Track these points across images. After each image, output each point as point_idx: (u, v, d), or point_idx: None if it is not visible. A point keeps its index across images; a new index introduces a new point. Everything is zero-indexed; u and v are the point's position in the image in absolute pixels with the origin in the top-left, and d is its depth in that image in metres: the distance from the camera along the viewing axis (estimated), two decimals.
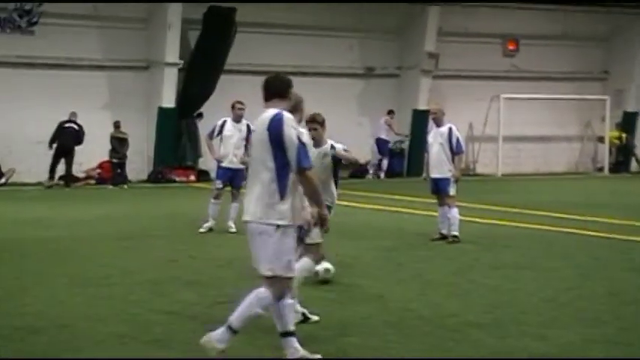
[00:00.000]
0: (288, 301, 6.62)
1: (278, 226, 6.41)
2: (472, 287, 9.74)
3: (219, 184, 14.77)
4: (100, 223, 15.96)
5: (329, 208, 8.39)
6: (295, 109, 6.97)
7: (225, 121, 14.78)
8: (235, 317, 6.54)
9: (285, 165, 6.40)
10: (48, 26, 25.35)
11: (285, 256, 6.48)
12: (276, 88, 6.73)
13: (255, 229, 6.51)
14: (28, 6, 25.34)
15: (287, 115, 6.51)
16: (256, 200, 6.48)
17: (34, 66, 25.31)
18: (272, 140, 6.42)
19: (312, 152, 8.52)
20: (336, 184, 8.91)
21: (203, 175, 26.50)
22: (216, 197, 14.70)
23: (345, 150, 8.96)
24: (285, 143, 6.39)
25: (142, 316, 8.20)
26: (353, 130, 26.74)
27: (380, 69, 29.82)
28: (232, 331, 6.54)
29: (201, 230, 14.46)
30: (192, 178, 26.48)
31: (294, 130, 6.45)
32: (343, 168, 9.16)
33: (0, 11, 25.15)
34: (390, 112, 29.33)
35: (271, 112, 6.55)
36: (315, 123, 8.93)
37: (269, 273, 6.49)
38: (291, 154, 6.38)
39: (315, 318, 7.95)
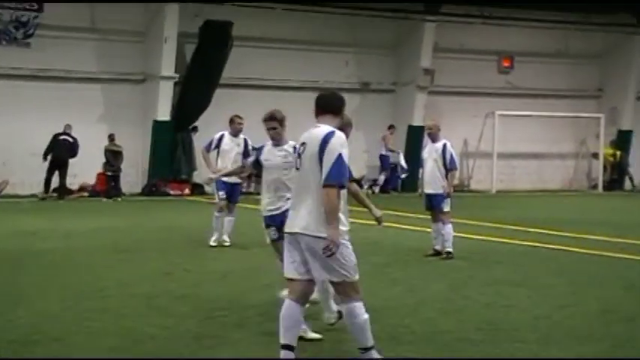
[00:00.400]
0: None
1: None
2: (466, 303, 9.74)
3: (222, 195, 14.55)
4: (94, 235, 15.95)
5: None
6: (342, 130, 6.98)
7: (222, 135, 14.66)
8: (358, 340, 6.65)
9: None
10: (44, 38, 25.41)
11: (348, 262, 6.57)
12: (331, 106, 6.81)
13: (309, 242, 6.52)
14: (24, 18, 25.40)
15: (339, 134, 6.59)
16: (307, 214, 6.52)
17: (30, 78, 25.37)
18: (321, 156, 6.49)
19: (272, 151, 8.95)
20: None
21: (197, 189, 26.53)
22: (221, 210, 14.59)
23: None
24: (325, 155, 6.45)
25: (136, 329, 8.19)
26: (348, 145, 26.76)
27: (375, 84, 29.94)
28: (369, 349, 6.63)
29: (212, 244, 14.35)
30: (187, 191, 26.49)
31: (341, 148, 6.49)
32: None
33: None
34: (391, 127, 29.41)
35: (325, 128, 6.62)
36: (274, 121, 9.06)
37: (337, 279, 6.57)
38: (325, 167, 6.43)
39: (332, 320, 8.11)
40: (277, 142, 9.09)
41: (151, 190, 26.39)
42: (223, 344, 7.69)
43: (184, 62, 26.89)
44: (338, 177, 6.42)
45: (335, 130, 6.61)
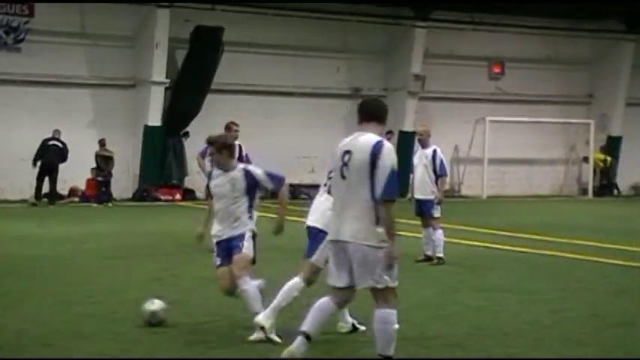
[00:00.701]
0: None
1: (379, 247, 6.51)
2: (456, 309, 9.76)
3: None
4: (84, 241, 15.90)
5: (254, 237, 8.24)
6: None
7: None
8: (382, 347, 6.62)
9: None
10: (35, 43, 25.37)
11: (392, 269, 6.59)
12: (377, 113, 6.83)
13: (358, 250, 6.55)
14: (14, 23, 25.36)
15: (388, 145, 6.62)
16: (355, 222, 6.55)
17: (21, 83, 25.31)
18: (372, 167, 6.51)
19: (220, 178, 8.29)
20: (251, 207, 8.29)
21: (189, 194, 26.50)
22: None
23: (268, 174, 8.32)
24: (378, 169, 6.48)
25: (126, 335, 8.18)
26: None
27: (367, 90, 29.91)
28: (389, 358, 6.64)
29: None
30: (178, 196, 26.45)
31: (392, 160, 6.53)
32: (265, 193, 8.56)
33: None
34: (389, 133, 29.39)
35: (372, 137, 6.62)
36: (212, 146, 8.58)
37: (380, 286, 6.59)
38: (380, 182, 6.47)
39: (362, 328, 8.12)
40: (222, 167, 8.35)
41: (141, 195, 26.35)
42: (213, 349, 7.68)
43: (175, 67, 26.88)
44: (395, 192, 6.52)
45: (382, 139, 6.62)
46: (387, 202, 6.48)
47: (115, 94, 26.74)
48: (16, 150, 24.66)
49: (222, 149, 8.33)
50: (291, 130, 28.25)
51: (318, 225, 7.98)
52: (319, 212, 8.05)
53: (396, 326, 6.65)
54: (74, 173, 25.13)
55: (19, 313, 9.12)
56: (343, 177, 6.67)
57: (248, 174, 8.27)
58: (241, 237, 8.21)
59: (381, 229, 6.52)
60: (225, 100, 26.57)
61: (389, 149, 6.58)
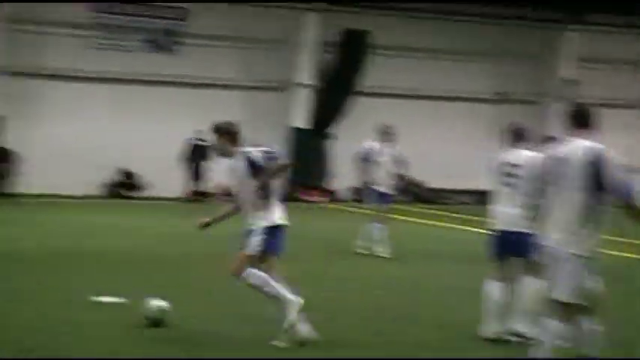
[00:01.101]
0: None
1: (579, 256, 6.45)
2: None
3: (377, 206, 14.59)
4: (227, 239, 16.04)
5: (276, 228, 7.89)
6: None
7: (375, 145, 14.61)
8: (542, 354, 6.54)
9: (598, 198, 6.47)
10: (189, 47, 26.21)
11: (580, 284, 6.49)
12: (590, 120, 6.81)
13: (557, 256, 6.50)
14: (172, 27, 26.32)
15: (609, 151, 6.56)
16: (562, 229, 6.51)
17: (175, 84, 26.18)
18: (593, 174, 6.46)
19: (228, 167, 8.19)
20: (266, 195, 8.00)
21: (333, 196, 26.71)
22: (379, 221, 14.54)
23: (267, 153, 8.00)
24: (606, 178, 6.43)
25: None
26: (485, 156, 26.42)
27: (516, 94, 29.42)
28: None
29: (383, 255, 14.32)
30: (324, 198, 26.68)
31: (616, 165, 6.50)
32: (270, 176, 7.96)
33: (146, 32, 26.16)
34: (551, 138, 28.72)
35: (591, 144, 6.60)
36: (214, 132, 8.27)
37: (564, 299, 6.50)
38: (619, 190, 6.42)
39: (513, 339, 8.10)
40: (223, 154, 8.44)
41: (289, 196, 26.73)
42: (218, 350, 7.63)
43: (323, 70, 27.15)
44: (627, 194, 6.44)
45: (603, 147, 6.57)
46: (631, 202, 6.39)
47: (264, 96, 27.26)
48: (168, 149, 25.44)
49: (227, 134, 8.27)
50: (436, 135, 28.05)
51: (515, 228, 8.09)
52: (509, 215, 8.22)
53: (559, 341, 6.46)
54: (224, 172, 25.70)
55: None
56: (555, 184, 6.60)
57: (246, 157, 8.03)
58: (253, 233, 7.93)
59: (590, 238, 6.43)
60: (371, 103, 26.65)
61: (611, 156, 6.51)
